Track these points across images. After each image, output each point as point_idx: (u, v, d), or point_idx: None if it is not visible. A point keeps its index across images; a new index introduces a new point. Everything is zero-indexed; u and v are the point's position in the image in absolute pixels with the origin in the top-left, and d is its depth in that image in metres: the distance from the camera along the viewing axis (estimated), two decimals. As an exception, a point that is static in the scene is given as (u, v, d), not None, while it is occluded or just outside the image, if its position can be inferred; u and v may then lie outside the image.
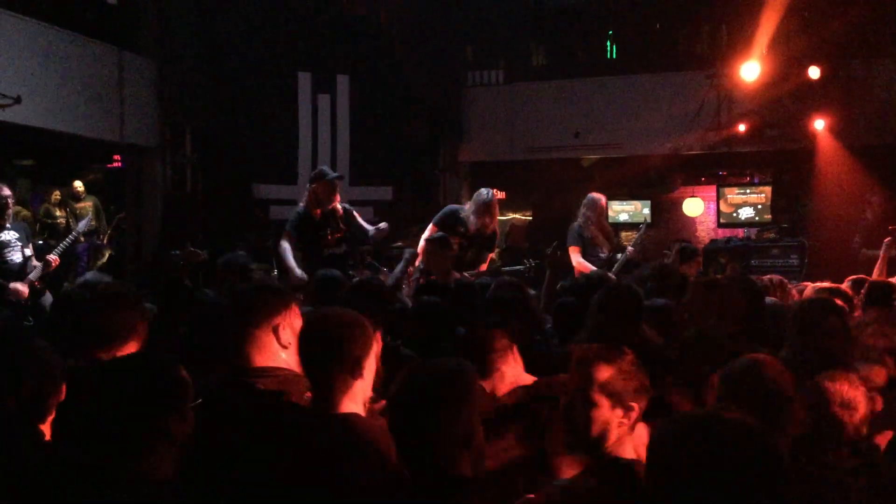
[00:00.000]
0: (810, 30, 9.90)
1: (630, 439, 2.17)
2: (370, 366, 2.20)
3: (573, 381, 2.22)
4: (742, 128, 10.40)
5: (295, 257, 6.05)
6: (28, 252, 6.22)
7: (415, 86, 11.24)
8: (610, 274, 5.95)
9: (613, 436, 2.13)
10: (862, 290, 4.74)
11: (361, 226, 6.33)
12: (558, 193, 12.25)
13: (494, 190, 6.55)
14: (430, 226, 6.36)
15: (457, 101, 12.02)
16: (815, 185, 10.41)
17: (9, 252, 6.08)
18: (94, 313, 2.83)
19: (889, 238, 6.38)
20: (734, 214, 11.23)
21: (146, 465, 1.91)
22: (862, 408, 2.50)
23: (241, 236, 9.52)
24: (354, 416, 2.12)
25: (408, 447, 1.90)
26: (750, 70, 9.46)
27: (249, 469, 2.11)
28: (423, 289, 4.77)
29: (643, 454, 1.78)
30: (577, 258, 6.94)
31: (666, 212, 12.62)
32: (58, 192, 10.58)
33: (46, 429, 2.33)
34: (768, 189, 11.12)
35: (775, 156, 10.85)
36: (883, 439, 2.66)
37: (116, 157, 11.29)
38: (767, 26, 9.67)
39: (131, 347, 2.76)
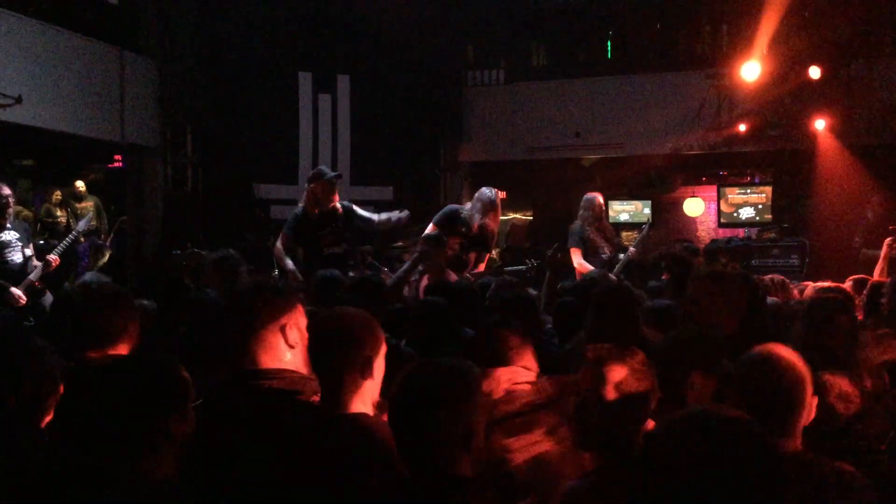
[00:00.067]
0: (811, 30, 9.89)
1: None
2: (380, 366, 2.20)
3: (585, 381, 2.23)
4: (743, 128, 10.41)
5: (293, 258, 6.06)
6: (28, 252, 6.22)
7: (415, 86, 11.25)
8: (611, 275, 5.95)
9: None
10: (864, 291, 4.74)
11: (364, 217, 6.31)
12: (559, 193, 12.25)
13: (496, 190, 6.55)
14: (430, 226, 6.35)
15: (457, 100, 12.03)
16: (815, 184, 10.41)
17: (9, 252, 6.08)
18: (85, 314, 2.83)
19: (890, 238, 6.37)
20: (735, 214, 11.23)
21: (146, 465, 1.91)
22: (857, 402, 2.51)
23: (241, 236, 9.52)
24: (364, 415, 2.12)
25: (407, 447, 1.90)
26: (750, 70, 9.45)
27: (258, 470, 2.11)
28: (431, 289, 4.76)
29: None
30: (577, 259, 6.92)
31: (666, 212, 12.62)
32: (59, 192, 10.58)
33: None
34: (769, 189, 11.12)
35: (776, 156, 10.84)
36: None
37: (117, 156, 11.28)
38: (768, 26, 9.67)
39: (122, 348, 2.75)
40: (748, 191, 11.27)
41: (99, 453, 1.92)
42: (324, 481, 2.01)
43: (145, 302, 4.06)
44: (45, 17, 8.89)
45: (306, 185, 6.30)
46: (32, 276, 6.09)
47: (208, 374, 2.50)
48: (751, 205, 11.12)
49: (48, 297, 6.19)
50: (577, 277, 6.46)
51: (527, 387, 2.75)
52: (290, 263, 5.99)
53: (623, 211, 11.66)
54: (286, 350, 2.31)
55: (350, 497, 1.97)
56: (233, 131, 10.60)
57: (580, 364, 2.38)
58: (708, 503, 1.45)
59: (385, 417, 2.00)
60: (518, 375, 2.79)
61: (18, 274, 6.06)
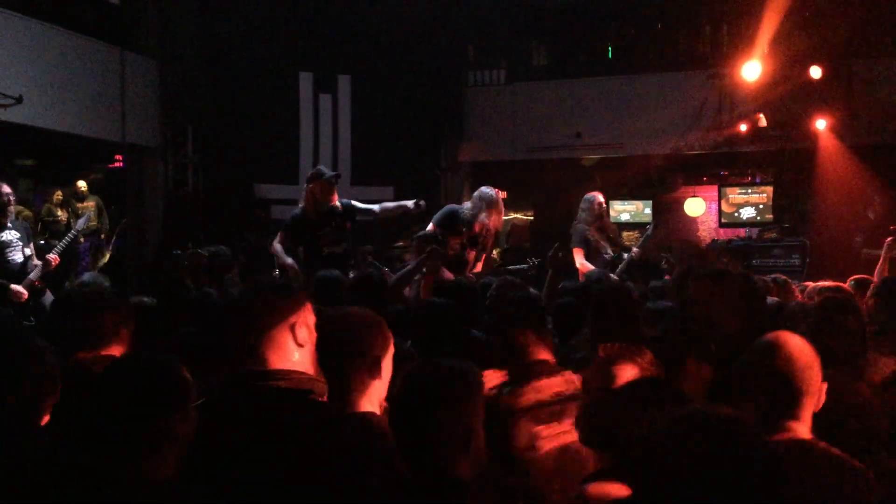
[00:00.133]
0: (811, 29, 9.89)
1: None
2: (387, 366, 2.20)
3: (595, 379, 2.24)
4: (743, 127, 10.40)
5: (293, 257, 6.06)
6: (29, 252, 6.23)
7: (416, 86, 11.25)
8: (612, 275, 5.94)
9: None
10: (867, 292, 4.72)
11: (365, 209, 6.32)
12: (559, 193, 12.24)
13: (496, 189, 6.54)
14: (430, 225, 6.35)
15: (458, 100, 12.02)
16: (816, 184, 10.41)
17: (10, 252, 6.09)
18: (74, 315, 2.83)
19: (890, 238, 6.35)
20: (736, 214, 11.23)
21: (147, 465, 1.91)
22: (860, 399, 2.52)
23: (241, 236, 9.53)
24: (371, 415, 2.12)
25: (407, 447, 1.90)
26: (751, 70, 9.46)
27: (259, 470, 2.10)
28: (437, 289, 4.73)
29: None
30: (580, 260, 6.91)
31: (667, 212, 12.61)
32: (59, 192, 10.59)
33: (40, 429, 2.34)
34: (770, 189, 11.12)
35: (777, 155, 10.85)
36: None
37: (118, 156, 11.30)
38: (769, 26, 9.67)
39: (114, 350, 2.76)
40: (749, 191, 11.27)
41: (99, 453, 1.91)
42: (324, 481, 2.00)
43: (145, 298, 4.07)
44: (45, 17, 8.89)
45: (305, 185, 6.31)
46: (32, 276, 6.09)
47: (209, 374, 2.49)
48: (752, 205, 11.13)
49: (48, 297, 6.19)
50: (580, 278, 6.45)
51: (557, 378, 2.76)
52: (288, 259, 5.99)
53: (624, 211, 11.66)
54: (295, 349, 2.26)
55: (350, 497, 1.97)
56: (233, 131, 10.60)
57: (580, 364, 2.39)
58: (706, 503, 1.45)
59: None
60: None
61: (19, 273, 6.06)
